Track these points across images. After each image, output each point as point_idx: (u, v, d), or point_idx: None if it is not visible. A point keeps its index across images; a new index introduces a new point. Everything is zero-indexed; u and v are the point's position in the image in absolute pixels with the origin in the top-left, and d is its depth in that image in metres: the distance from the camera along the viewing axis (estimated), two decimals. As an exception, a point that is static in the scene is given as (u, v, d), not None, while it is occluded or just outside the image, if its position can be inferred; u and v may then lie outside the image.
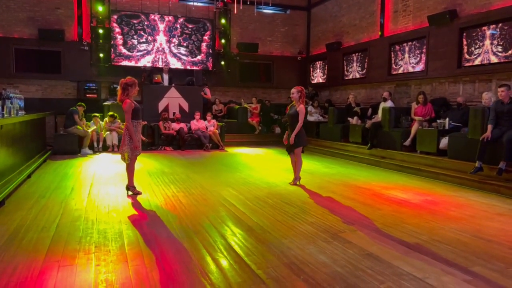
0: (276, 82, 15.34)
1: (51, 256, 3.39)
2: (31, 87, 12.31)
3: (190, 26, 13.69)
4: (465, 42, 8.96)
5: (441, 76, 9.57)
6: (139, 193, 5.78)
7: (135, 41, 13.05)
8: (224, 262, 3.33)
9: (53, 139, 10.49)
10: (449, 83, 9.48)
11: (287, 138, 6.60)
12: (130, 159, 5.65)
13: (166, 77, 12.50)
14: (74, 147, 10.16)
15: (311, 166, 8.73)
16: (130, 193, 5.74)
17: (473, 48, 8.78)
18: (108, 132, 10.79)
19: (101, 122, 10.93)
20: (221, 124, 12.38)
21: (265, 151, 11.44)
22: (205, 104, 12.93)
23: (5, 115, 5.83)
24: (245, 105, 13.91)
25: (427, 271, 3.17)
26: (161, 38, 13.37)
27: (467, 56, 8.93)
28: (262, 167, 8.57)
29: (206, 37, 13.92)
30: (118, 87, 5.70)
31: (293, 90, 6.48)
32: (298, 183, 6.61)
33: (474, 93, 8.84)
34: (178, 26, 13.55)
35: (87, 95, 12.34)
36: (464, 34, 8.96)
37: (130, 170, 5.74)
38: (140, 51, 13.15)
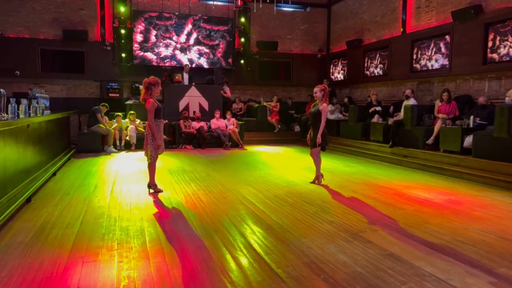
0: (296, 80, 15.27)
1: (76, 252, 3.47)
2: (56, 86, 12.62)
3: (210, 25, 13.75)
4: (490, 38, 8.71)
5: (466, 73, 9.33)
6: (160, 191, 5.86)
7: (156, 41, 13.19)
8: (244, 261, 3.35)
9: (77, 138, 10.75)
10: (474, 80, 9.24)
11: (310, 138, 6.55)
12: (153, 158, 5.73)
13: (186, 76, 12.61)
14: (97, 145, 10.39)
15: (331, 164, 8.66)
16: (151, 191, 5.82)
17: (499, 44, 8.53)
18: (131, 128, 10.96)
19: (123, 120, 11.13)
20: (240, 122, 12.41)
21: (284, 150, 11.41)
22: (225, 103, 12.98)
23: (32, 114, 5.99)
24: (264, 104, 13.91)
25: (450, 273, 3.11)
26: (181, 38, 13.48)
27: (492, 52, 8.68)
28: (281, 165, 8.56)
29: (226, 36, 13.96)
30: (142, 86, 5.79)
31: (316, 89, 6.35)
32: (322, 180, 6.54)
33: (500, 90, 8.60)
34: (198, 25, 13.63)
35: (110, 95, 12.57)
36: (490, 29, 8.71)
37: (152, 168, 5.82)
38: (161, 50, 13.29)
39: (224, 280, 2.97)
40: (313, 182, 6.55)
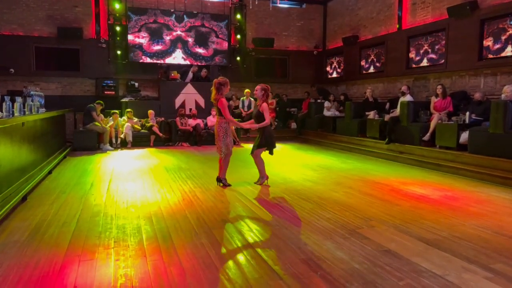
0: (292, 77, 15.25)
1: (72, 251, 3.46)
2: (51, 84, 12.53)
3: (206, 21, 13.69)
4: (486, 34, 8.73)
5: (461, 69, 9.35)
6: (229, 185, 6.07)
7: (151, 38, 13.10)
8: (241, 258, 3.35)
9: (73, 136, 10.68)
10: (469, 76, 9.27)
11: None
12: (225, 153, 5.95)
13: (190, 75, 12.66)
14: (93, 143, 10.34)
15: (328, 161, 8.67)
16: (221, 184, 6.08)
17: (494, 40, 8.55)
18: (126, 126, 10.93)
19: (120, 118, 11.09)
20: (237, 119, 12.37)
21: (281, 147, 11.39)
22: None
23: (27, 113, 5.95)
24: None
25: (447, 268, 3.12)
26: (176, 34, 13.41)
27: (488, 48, 8.71)
28: (278, 162, 8.53)
29: (222, 33, 13.91)
30: (212, 87, 6.05)
31: (257, 87, 6.14)
32: (266, 182, 6.29)
33: (495, 86, 8.62)
34: (194, 22, 13.56)
35: (105, 92, 12.49)
36: (485, 25, 8.73)
37: (225, 163, 6.04)
38: (156, 47, 13.22)
39: (221, 278, 2.96)
40: (256, 183, 6.30)
